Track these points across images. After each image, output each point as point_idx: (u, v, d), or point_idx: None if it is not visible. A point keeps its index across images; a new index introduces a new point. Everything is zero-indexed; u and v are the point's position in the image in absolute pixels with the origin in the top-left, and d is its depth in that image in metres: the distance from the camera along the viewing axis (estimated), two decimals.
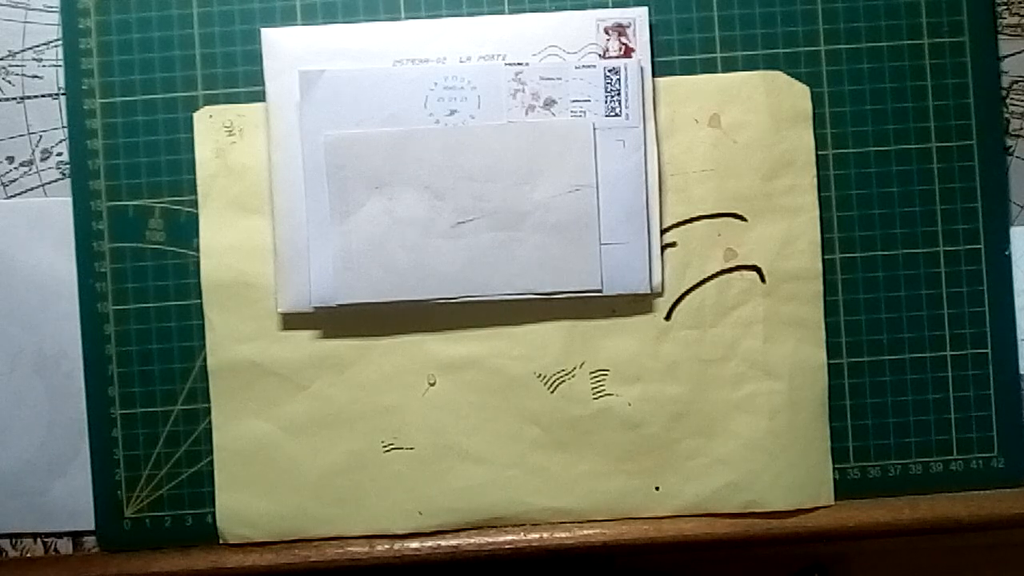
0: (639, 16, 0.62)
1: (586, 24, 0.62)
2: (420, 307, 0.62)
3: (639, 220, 0.62)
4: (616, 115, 0.61)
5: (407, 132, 0.61)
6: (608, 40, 0.62)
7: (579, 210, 0.61)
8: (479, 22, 0.62)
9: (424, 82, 0.61)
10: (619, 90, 0.61)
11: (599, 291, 0.61)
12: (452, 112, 0.61)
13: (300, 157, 0.61)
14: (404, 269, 0.61)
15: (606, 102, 0.61)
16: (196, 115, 0.63)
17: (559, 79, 0.61)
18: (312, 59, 0.62)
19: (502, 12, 0.63)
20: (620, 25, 0.62)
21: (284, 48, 0.62)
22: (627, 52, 0.62)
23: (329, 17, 0.63)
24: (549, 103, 0.61)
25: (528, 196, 0.61)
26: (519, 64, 0.61)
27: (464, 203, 0.61)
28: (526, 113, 0.61)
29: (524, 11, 0.63)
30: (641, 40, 0.62)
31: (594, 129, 0.61)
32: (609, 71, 0.61)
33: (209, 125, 0.63)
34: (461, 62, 0.62)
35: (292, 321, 0.63)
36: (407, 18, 0.63)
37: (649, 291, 0.62)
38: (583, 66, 0.61)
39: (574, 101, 0.61)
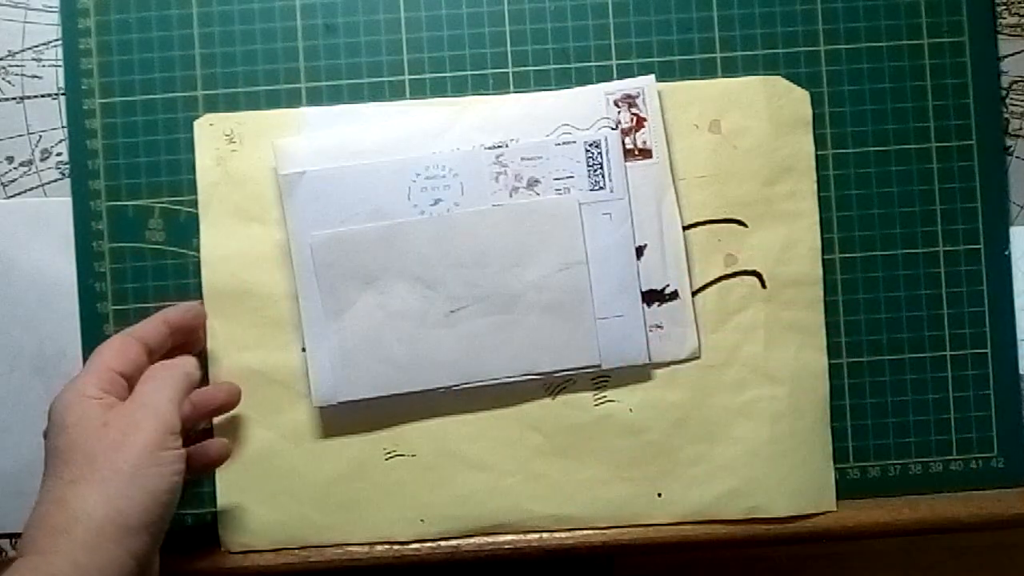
0: (646, 85, 0.61)
1: (595, 99, 0.61)
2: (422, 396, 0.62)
3: (632, 292, 0.61)
4: (600, 188, 0.61)
5: (393, 226, 0.61)
6: (619, 112, 0.61)
7: (571, 287, 0.61)
8: (486, 105, 0.62)
9: (406, 174, 0.61)
10: (601, 163, 0.61)
11: (597, 366, 0.62)
12: (436, 201, 0.61)
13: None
14: (402, 362, 0.61)
15: (589, 176, 0.61)
16: (197, 123, 0.63)
17: (540, 157, 0.61)
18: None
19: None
20: (629, 96, 0.61)
21: None
22: (639, 122, 0.61)
23: (329, 16, 0.63)
24: (532, 183, 0.61)
25: (519, 278, 0.61)
26: (498, 147, 0.61)
27: (456, 291, 0.61)
28: (510, 195, 0.61)
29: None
30: (652, 107, 0.61)
31: (579, 205, 0.61)
32: (590, 145, 0.61)
33: (210, 133, 0.63)
34: (451, 151, 0.61)
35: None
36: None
37: (648, 361, 0.62)
38: (563, 143, 0.61)
39: (556, 179, 0.61)
